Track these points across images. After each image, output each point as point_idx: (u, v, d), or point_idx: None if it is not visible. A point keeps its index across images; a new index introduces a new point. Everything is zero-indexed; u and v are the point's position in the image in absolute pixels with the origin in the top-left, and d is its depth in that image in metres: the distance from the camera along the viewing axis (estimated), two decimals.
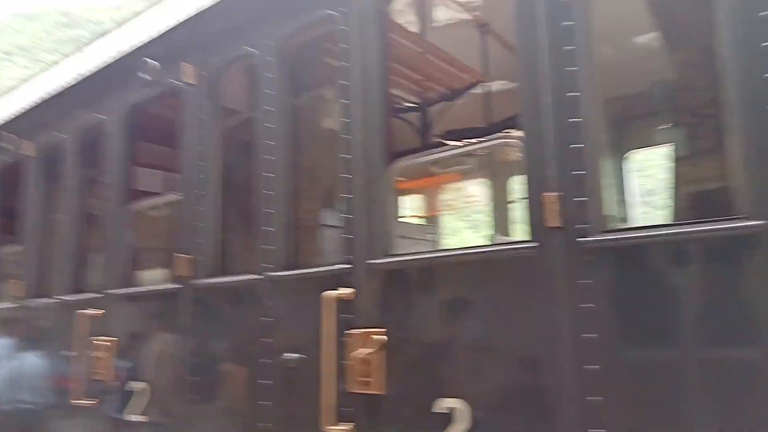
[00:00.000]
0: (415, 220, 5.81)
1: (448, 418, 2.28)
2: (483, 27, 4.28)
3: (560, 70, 2.18)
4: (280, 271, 2.97)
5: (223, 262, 3.39)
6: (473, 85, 4.40)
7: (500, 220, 5.42)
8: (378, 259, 2.61)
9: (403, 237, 4.27)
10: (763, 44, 1.81)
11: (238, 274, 3.25)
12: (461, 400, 2.28)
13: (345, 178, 2.76)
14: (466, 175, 5.01)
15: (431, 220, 5.89)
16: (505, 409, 2.23)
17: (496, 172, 5.22)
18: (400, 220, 5.36)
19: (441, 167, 3.69)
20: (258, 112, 3.22)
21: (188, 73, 3.59)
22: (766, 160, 1.79)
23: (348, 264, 2.68)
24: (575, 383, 2.03)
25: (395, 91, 4.50)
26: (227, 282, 3.27)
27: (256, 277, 3.05)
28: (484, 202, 5.45)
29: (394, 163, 2.83)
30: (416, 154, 3.49)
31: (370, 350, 2.49)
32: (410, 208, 6.08)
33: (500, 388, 2.26)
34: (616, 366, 1.99)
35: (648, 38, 2.67)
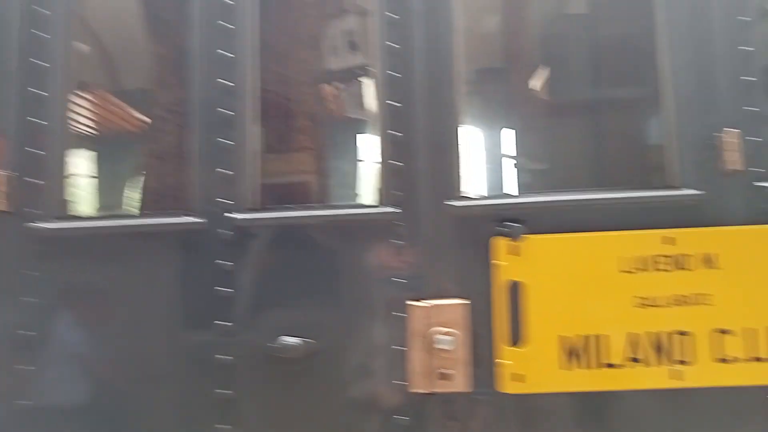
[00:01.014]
0: None
1: None
2: None
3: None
4: None
5: None
6: None
7: None
8: None
9: None
10: (218, 51, 1.94)
11: None
12: None
13: None
14: None
15: None
16: None
17: None
18: None
19: None
20: None
21: None
22: (211, 162, 1.91)
23: None
24: (6, 385, 1.83)
25: None
26: None
27: None
28: None
29: None
30: None
31: None
32: None
33: None
34: (46, 364, 1.87)
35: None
